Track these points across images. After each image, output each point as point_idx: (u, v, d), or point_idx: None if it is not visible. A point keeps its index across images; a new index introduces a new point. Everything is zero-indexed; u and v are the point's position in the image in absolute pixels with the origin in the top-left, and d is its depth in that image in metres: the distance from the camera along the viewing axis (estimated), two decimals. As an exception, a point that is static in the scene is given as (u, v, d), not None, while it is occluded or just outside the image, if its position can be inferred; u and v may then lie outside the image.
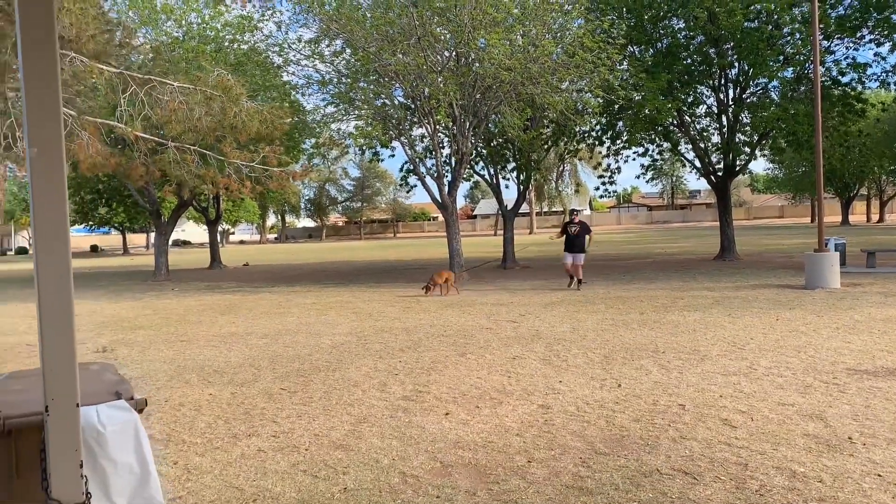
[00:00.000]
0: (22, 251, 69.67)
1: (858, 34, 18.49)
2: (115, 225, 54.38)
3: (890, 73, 19.35)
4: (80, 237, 75.39)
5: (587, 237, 14.00)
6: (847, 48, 19.48)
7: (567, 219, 14.92)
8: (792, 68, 19.13)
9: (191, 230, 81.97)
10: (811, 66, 15.76)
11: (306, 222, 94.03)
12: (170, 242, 25.74)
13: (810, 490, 3.58)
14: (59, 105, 1.90)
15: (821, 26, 16.86)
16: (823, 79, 18.42)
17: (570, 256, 13.99)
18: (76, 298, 2.01)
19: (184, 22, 21.62)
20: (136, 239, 75.97)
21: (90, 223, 51.81)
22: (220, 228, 35.94)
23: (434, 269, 19.89)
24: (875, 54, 19.05)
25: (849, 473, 3.77)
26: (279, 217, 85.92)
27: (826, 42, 18.75)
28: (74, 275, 1.98)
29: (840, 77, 19.26)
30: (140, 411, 2.37)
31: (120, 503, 2.25)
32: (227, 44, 21.89)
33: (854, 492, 3.54)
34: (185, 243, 77.17)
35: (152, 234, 49.05)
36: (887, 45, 18.64)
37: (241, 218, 68.65)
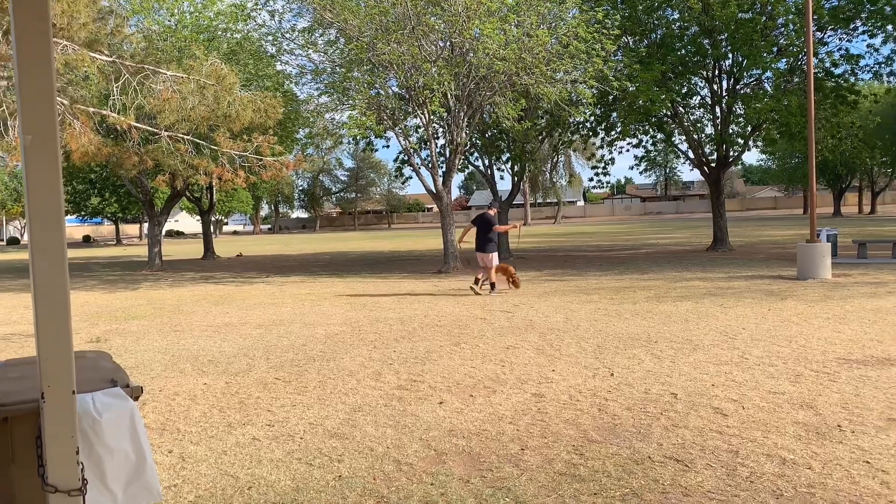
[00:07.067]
0: (13, 241, 69.30)
1: (852, 25, 18.53)
2: (108, 215, 54.17)
3: (882, 65, 19.42)
4: (72, 227, 75.08)
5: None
6: (840, 39, 19.56)
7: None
8: (785, 60, 19.16)
9: (184, 221, 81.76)
10: (804, 58, 15.81)
11: (300, 213, 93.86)
12: (163, 233, 25.67)
13: (800, 477, 3.62)
14: (53, 91, 1.90)
15: (814, 17, 16.89)
16: (816, 70, 18.45)
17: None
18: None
19: (176, 11, 21.47)
20: (130, 229, 75.74)
21: (82, 213, 51.60)
22: (213, 219, 35.80)
23: (430, 259, 19.89)
24: (868, 46, 19.23)
25: (838, 460, 3.82)
26: (273, 208, 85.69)
27: (819, 33, 18.79)
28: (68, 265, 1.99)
29: (833, 69, 19.31)
30: (136, 399, 2.38)
31: (116, 490, 2.26)
32: (220, 33, 21.76)
33: (843, 478, 3.58)
34: (179, 234, 76.96)
35: (145, 225, 48.79)
36: (880, 37, 18.72)
37: (234, 208, 68.48)
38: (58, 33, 6.69)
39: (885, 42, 18.75)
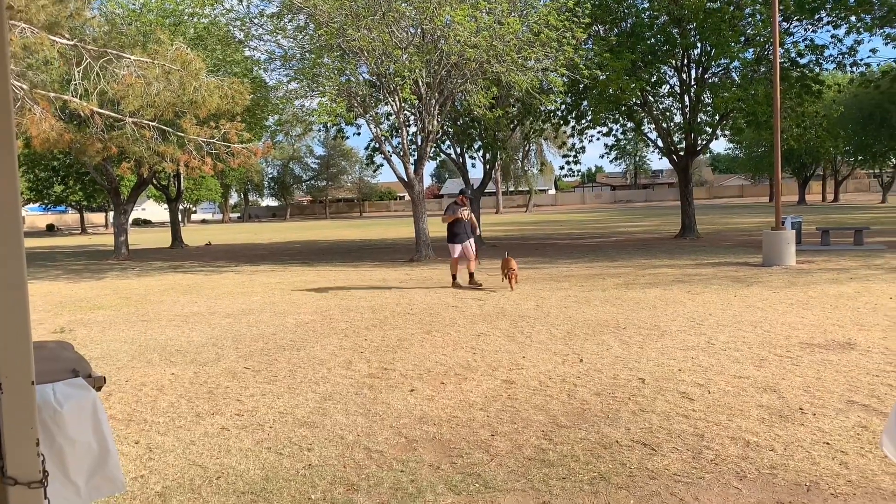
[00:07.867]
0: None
1: (817, 16, 18.84)
2: (72, 203, 52.91)
3: (846, 56, 19.80)
4: (35, 216, 73.30)
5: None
6: (805, 30, 19.87)
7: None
8: (752, 49, 19.43)
9: (151, 209, 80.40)
10: (771, 48, 16.04)
11: (270, 201, 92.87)
12: (129, 221, 25.19)
13: (762, 458, 3.71)
14: (7, 74, 1.84)
15: (781, 8, 17.13)
16: (782, 60, 18.75)
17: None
18: (31, 279, 1.97)
19: (141, -6, 20.99)
20: (95, 218, 74.18)
21: (45, 202, 50.32)
22: (181, 207, 35.25)
23: (402, 247, 19.81)
24: (832, 36, 19.48)
25: (799, 442, 3.92)
26: (242, 196, 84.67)
27: (785, 24, 19.07)
28: (30, 255, 1.94)
29: (798, 59, 19.64)
30: (98, 389, 2.33)
31: (78, 482, 2.21)
32: (186, 18, 21.32)
33: (803, 459, 3.67)
34: (146, 222, 75.65)
35: (111, 213, 47.90)
36: (844, 28, 19.06)
37: (202, 197, 67.43)
38: (15, 15, 6.48)
39: (848, 33, 19.11)
